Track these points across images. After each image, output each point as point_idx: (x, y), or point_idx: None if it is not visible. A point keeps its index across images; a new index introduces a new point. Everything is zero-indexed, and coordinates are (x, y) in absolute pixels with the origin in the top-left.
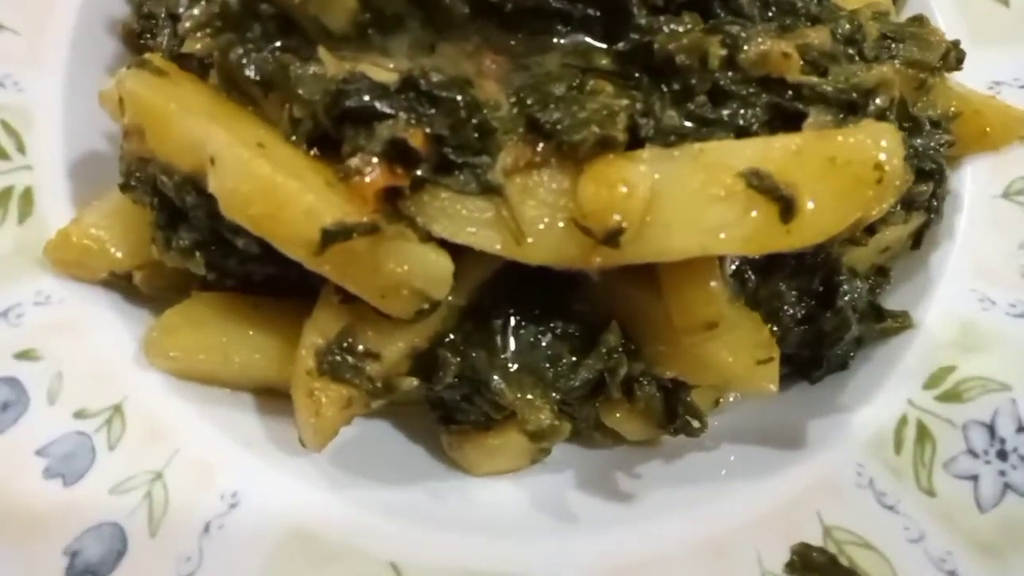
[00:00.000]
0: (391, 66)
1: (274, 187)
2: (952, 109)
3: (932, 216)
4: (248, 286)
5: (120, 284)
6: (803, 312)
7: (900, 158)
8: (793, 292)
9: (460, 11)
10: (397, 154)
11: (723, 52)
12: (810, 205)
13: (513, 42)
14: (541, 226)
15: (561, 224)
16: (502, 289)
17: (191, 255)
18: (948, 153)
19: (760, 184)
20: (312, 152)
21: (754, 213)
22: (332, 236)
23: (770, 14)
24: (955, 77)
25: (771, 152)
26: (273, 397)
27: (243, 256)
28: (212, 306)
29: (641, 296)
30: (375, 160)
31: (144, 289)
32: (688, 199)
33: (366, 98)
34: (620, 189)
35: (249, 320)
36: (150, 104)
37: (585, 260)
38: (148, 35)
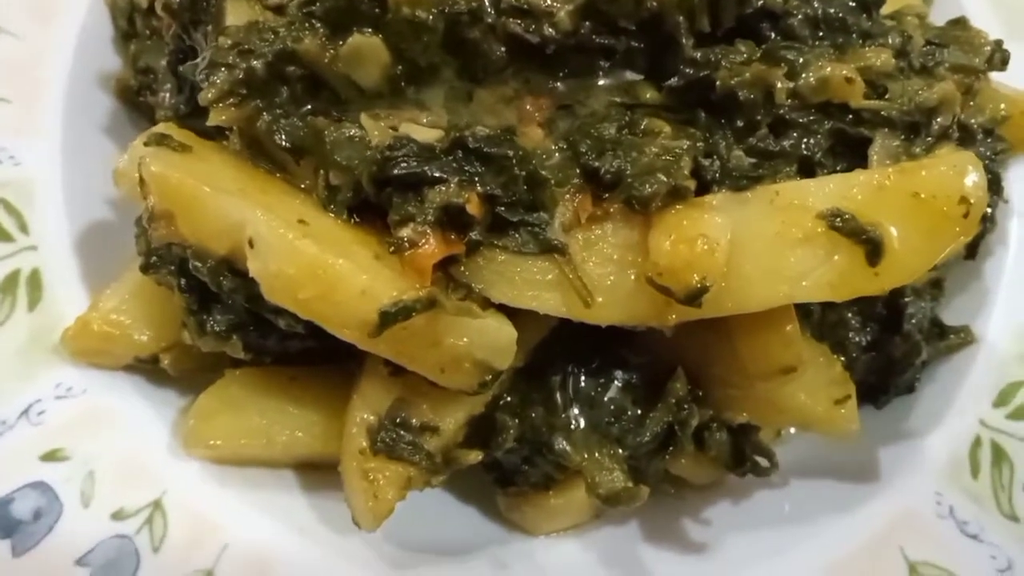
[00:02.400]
0: (427, 120)
1: (323, 268)
2: (1001, 112)
3: (987, 225)
4: (283, 358)
5: (145, 368)
6: (869, 338)
7: (984, 189)
8: (856, 318)
9: (498, 56)
10: (450, 220)
11: (789, 85)
12: (897, 245)
13: (554, 83)
14: (608, 283)
15: (631, 280)
16: (558, 344)
17: (227, 339)
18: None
19: (843, 225)
20: (353, 220)
21: (837, 257)
22: (391, 317)
23: (821, 33)
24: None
25: (851, 190)
26: (317, 471)
27: (284, 334)
28: (248, 385)
29: (708, 340)
30: (428, 230)
31: (172, 372)
32: (767, 246)
33: (414, 163)
34: (699, 245)
35: (288, 395)
36: (180, 188)
37: (660, 318)
38: (147, 91)
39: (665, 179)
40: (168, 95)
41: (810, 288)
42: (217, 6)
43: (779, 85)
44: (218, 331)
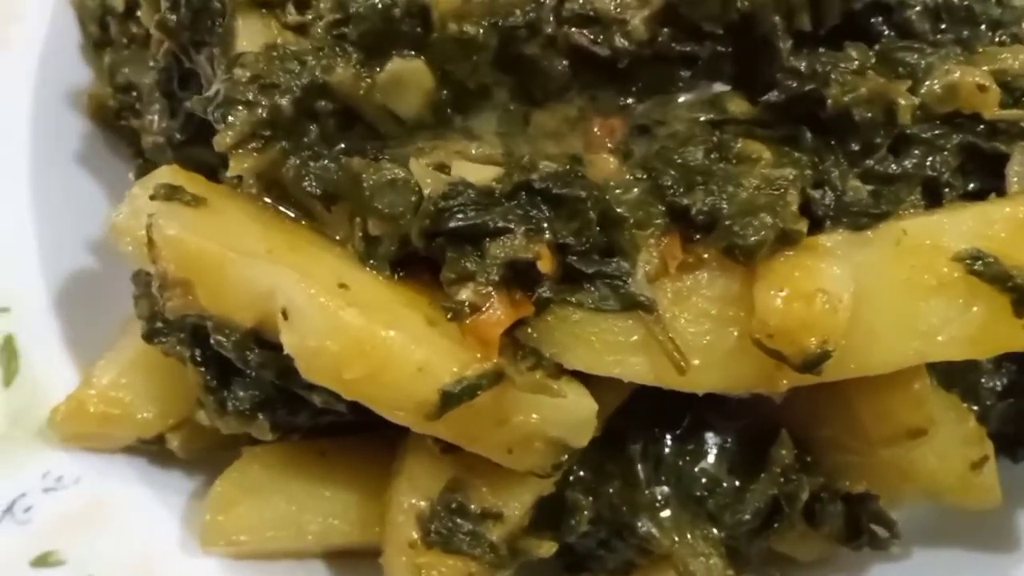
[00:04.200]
0: (478, 151)
1: (372, 343)
2: None
3: None
4: (312, 431)
5: (148, 449)
6: (1005, 381)
7: None
8: (990, 359)
9: (559, 72)
10: (516, 277)
11: (914, 101)
12: None
13: (626, 100)
14: (705, 343)
15: (732, 340)
16: (638, 407)
17: (252, 418)
18: None
19: (984, 270)
20: (397, 275)
21: (978, 308)
22: (454, 398)
23: (943, 26)
24: None
25: (992, 227)
26: (348, 557)
27: (317, 410)
28: (271, 465)
29: (819, 399)
30: (492, 291)
31: (181, 454)
32: (895, 297)
33: (472, 213)
34: (818, 302)
35: (318, 475)
36: (202, 255)
37: (769, 384)
38: (129, 112)
39: (771, 220)
40: (157, 119)
41: (946, 345)
42: (226, 26)
43: (902, 102)
44: (241, 410)
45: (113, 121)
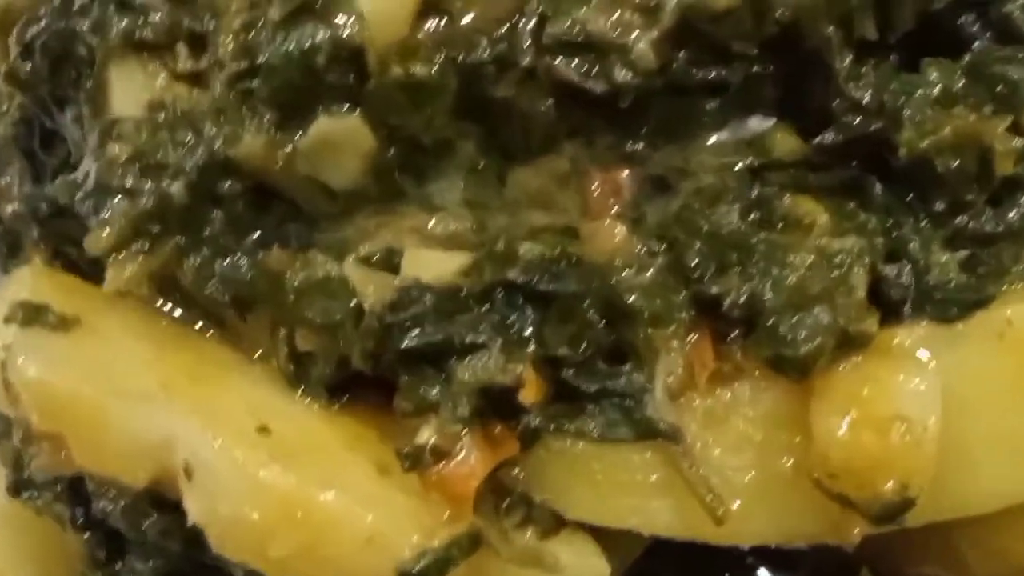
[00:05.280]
0: (439, 227)
1: (304, 507)
2: None
3: None
4: None
5: None
6: None
7: None
8: None
9: (542, 115)
10: (493, 405)
11: (1015, 144)
12: None
13: (634, 145)
14: (748, 482)
15: (785, 475)
16: (663, 557)
17: None
18: None
19: None
20: (336, 404)
21: None
22: None
23: None
24: None
25: None
26: None
27: None
28: None
29: (910, 533)
30: (462, 429)
31: None
32: (1000, 410)
33: (431, 328)
34: (895, 432)
35: None
36: (72, 401)
37: (838, 535)
38: None
39: (829, 318)
40: (16, 183)
41: None
42: (96, 78)
43: (999, 147)
44: None
45: None
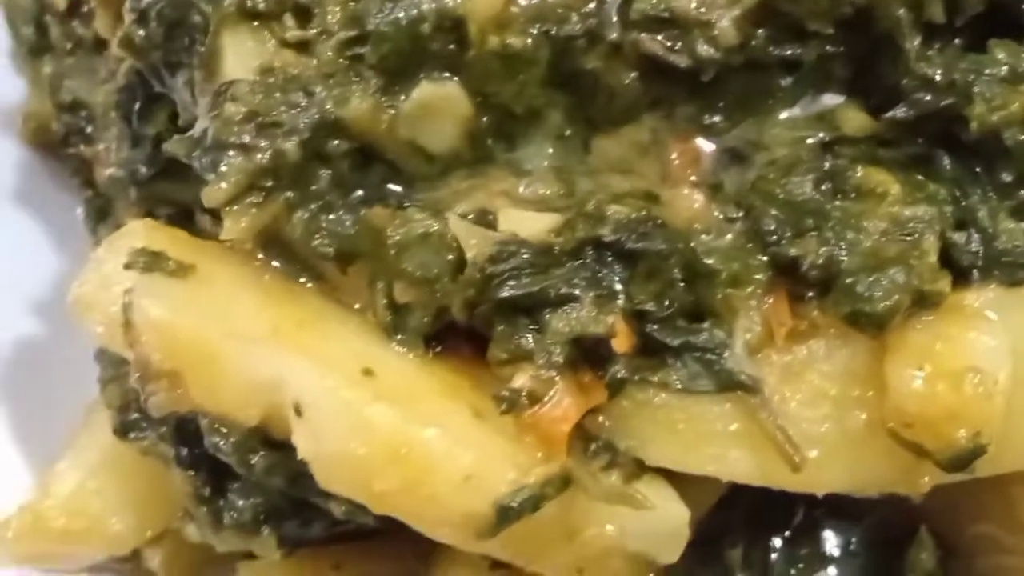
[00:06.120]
0: (527, 190)
1: (408, 445)
2: None
3: None
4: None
5: (121, 568)
6: None
7: None
8: None
9: (627, 87)
10: (584, 354)
11: None
12: None
13: (712, 118)
14: (823, 433)
15: (859, 427)
16: (737, 502)
17: (255, 532)
18: None
19: None
20: (432, 352)
21: None
22: (512, 513)
23: None
24: None
25: None
26: None
27: (335, 520)
28: None
29: (968, 489)
30: (556, 375)
31: (163, 573)
32: None
33: (527, 279)
34: (968, 384)
35: None
36: (193, 341)
37: (907, 483)
38: (78, 138)
39: (904, 278)
40: (115, 147)
41: None
42: (209, 44)
43: None
44: (241, 523)
45: (57, 147)
